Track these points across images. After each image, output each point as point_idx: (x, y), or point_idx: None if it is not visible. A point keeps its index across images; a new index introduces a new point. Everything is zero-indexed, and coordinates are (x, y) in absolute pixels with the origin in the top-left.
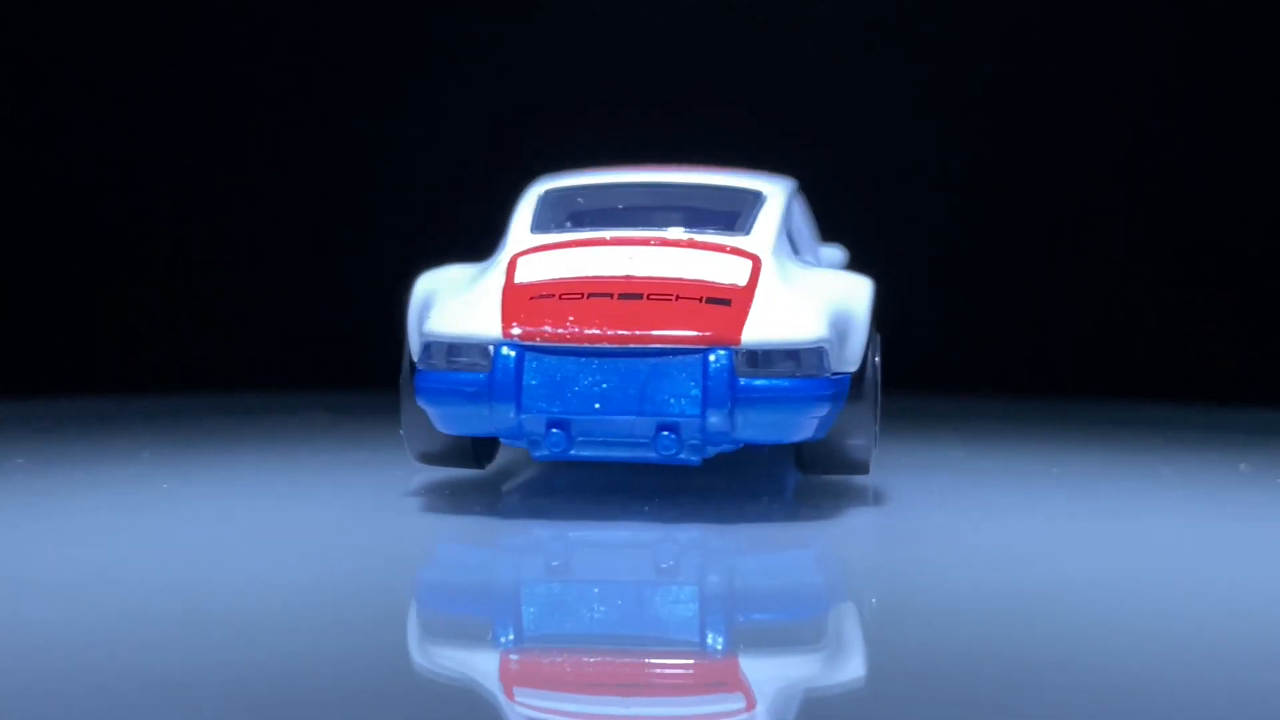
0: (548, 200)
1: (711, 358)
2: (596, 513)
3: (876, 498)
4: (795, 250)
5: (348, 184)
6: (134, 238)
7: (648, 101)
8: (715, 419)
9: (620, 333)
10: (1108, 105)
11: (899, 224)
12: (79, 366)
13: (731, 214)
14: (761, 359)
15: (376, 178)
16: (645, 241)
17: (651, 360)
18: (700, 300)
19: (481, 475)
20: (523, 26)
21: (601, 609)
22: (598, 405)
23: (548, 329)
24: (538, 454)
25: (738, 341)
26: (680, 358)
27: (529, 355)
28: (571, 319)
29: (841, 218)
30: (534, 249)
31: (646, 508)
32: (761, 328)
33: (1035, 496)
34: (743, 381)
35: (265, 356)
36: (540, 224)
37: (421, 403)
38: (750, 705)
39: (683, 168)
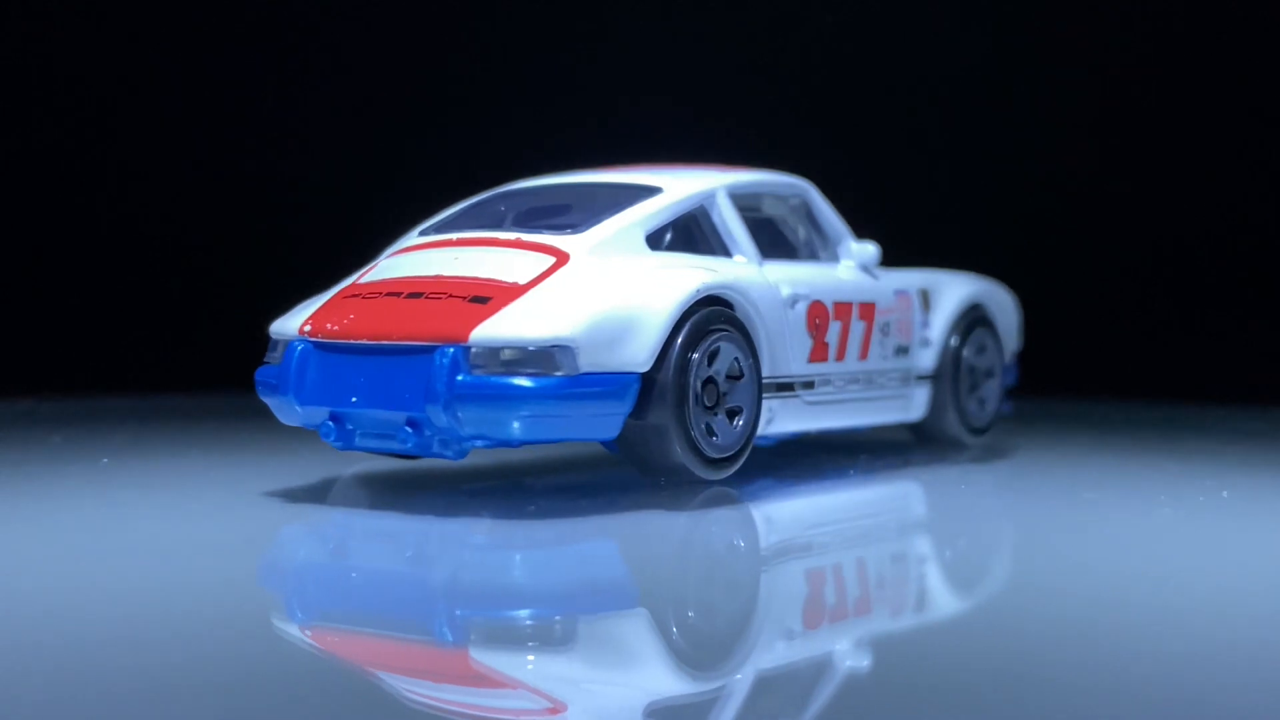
0: (479, 203)
1: (437, 355)
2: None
3: (718, 498)
4: (689, 246)
5: (349, 187)
6: (126, 238)
7: (684, 103)
8: (438, 415)
9: (375, 330)
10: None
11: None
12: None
13: (597, 211)
14: (495, 357)
15: (380, 180)
16: (476, 243)
17: (399, 357)
18: (465, 299)
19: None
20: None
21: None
22: (354, 399)
23: (328, 326)
24: (334, 445)
25: (466, 339)
26: (418, 355)
27: (315, 352)
28: (351, 317)
29: (868, 214)
30: (399, 251)
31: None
32: (500, 326)
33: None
34: (463, 378)
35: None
36: (434, 227)
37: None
38: (556, 710)
39: (643, 167)
